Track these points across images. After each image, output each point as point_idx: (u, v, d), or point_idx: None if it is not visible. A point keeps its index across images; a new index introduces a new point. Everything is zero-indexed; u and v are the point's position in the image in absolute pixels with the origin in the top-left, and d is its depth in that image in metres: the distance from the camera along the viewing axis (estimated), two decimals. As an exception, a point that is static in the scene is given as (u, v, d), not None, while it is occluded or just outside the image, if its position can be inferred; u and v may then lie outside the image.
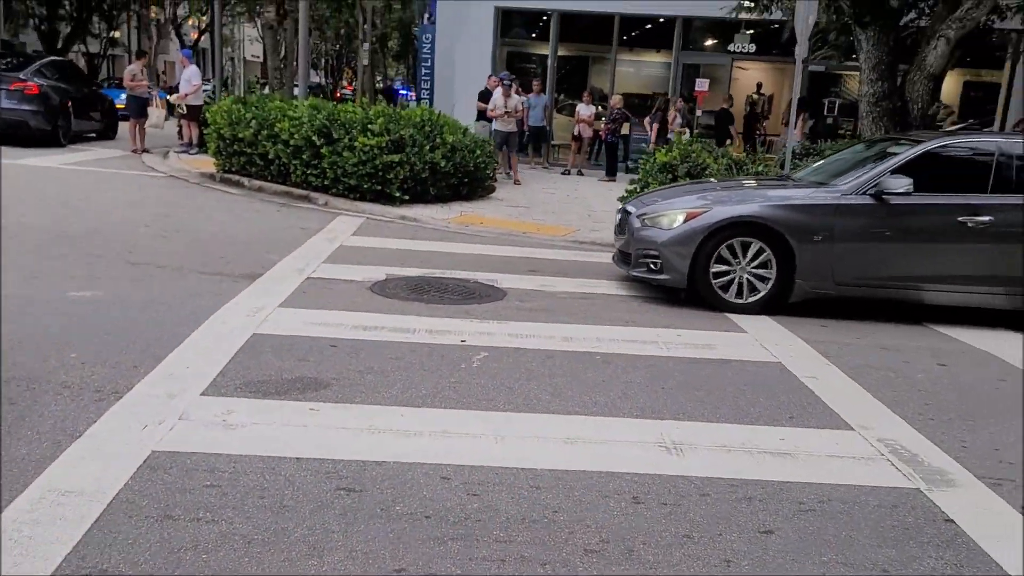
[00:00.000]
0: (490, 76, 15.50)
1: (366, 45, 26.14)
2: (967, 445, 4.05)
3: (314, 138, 10.69)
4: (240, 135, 11.43)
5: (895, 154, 6.68)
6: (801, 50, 9.47)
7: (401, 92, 40.37)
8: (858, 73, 18.13)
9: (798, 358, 5.29)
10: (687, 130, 16.55)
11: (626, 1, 17.27)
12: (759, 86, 20.96)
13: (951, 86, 17.41)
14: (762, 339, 5.71)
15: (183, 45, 37.94)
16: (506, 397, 4.24)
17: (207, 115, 12.69)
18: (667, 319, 6.13)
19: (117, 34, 38.56)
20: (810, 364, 5.18)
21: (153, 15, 37.19)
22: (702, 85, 17.74)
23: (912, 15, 11.82)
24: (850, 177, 6.61)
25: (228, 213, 9.56)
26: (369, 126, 10.69)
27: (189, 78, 14.97)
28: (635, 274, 6.79)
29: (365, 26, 28.99)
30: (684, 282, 6.48)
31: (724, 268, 6.42)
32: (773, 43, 17.69)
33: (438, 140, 11.04)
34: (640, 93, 19.75)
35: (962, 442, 4.09)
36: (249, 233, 8.35)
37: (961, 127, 14.86)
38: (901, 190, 6.27)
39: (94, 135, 16.92)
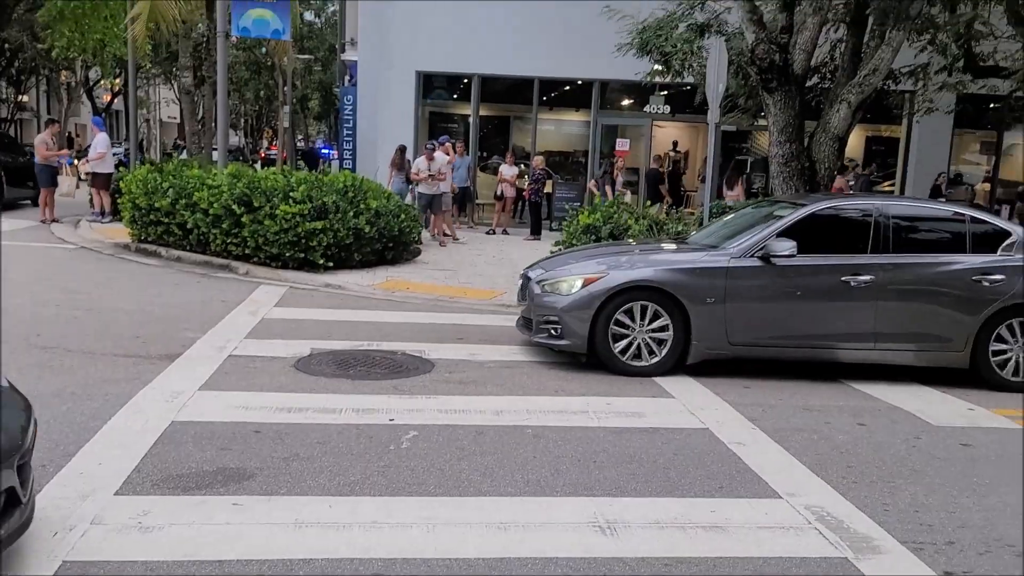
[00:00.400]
0: (442, 143, 15.52)
1: (287, 108, 26.06)
2: (889, 508, 4.16)
3: (234, 207, 10.52)
4: (157, 204, 11.17)
5: (781, 217, 6.93)
6: (713, 115, 9.86)
7: (323, 152, 40.25)
8: (767, 131, 18.91)
9: (725, 423, 5.37)
10: (627, 191, 16.97)
11: (545, 65, 17.71)
12: (675, 144, 21.67)
13: (855, 141, 18.29)
14: (689, 404, 5.78)
15: (95, 108, 37.16)
16: (437, 480, 4.16)
17: (121, 184, 12.39)
18: (596, 386, 6.16)
19: (25, 98, 37.59)
20: (736, 429, 5.27)
21: (64, 79, 36.35)
22: (623, 145, 18.21)
23: (815, 79, 12.46)
24: (740, 240, 6.82)
25: (144, 287, 9.28)
26: (291, 193, 10.59)
27: (96, 146, 14.71)
28: (537, 340, 6.83)
29: (285, 88, 28.96)
30: (584, 347, 6.54)
31: (623, 331, 6.50)
32: (686, 103, 18.35)
33: (362, 206, 11.00)
34: (561, 151, 20.18)
35: (884, 505, 4.19)
36: (167, 308, 8.10)
37: (856, 176, 15.61)
38: (785, 252, 6.49)
39: (28, 202, 16.87)
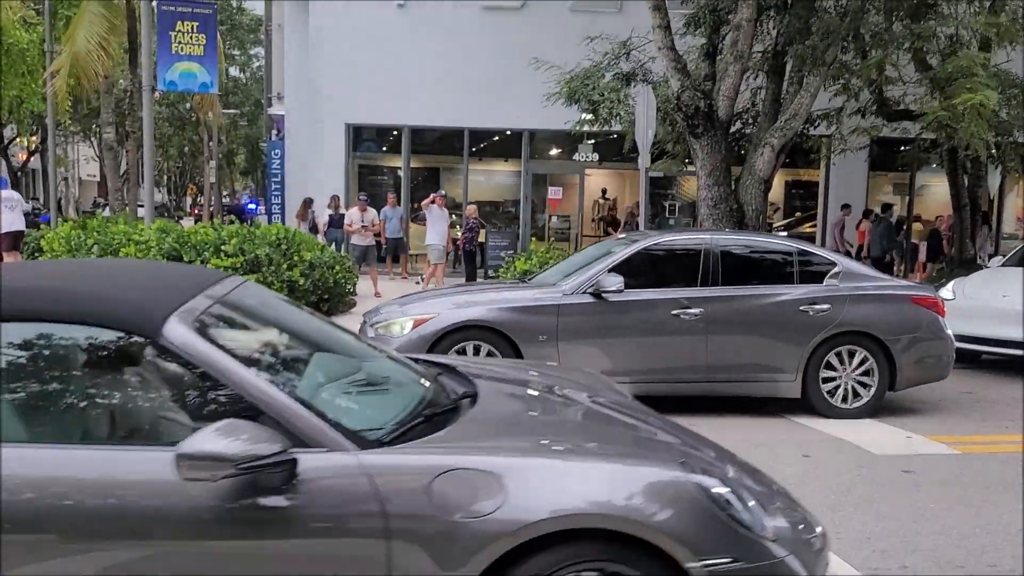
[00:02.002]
0: (362, 200, 15.31)
1: (212, 163, 25.70)
2: (841, 536, 4.20)
3: (163, 262, 10.25)
4: (80, 262, 10.79)
5: (615, 253, 7.02)
6: (643, 160, 10.09)
7: (249, 207, 39.73)
8: (693, 177, 19.48)
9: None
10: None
11: (474, 116, 17.93)
12: (604, 191, 22.09)
13: (776, 185, 18.97)
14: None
15: (10, 167, 35.96)
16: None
17: (42, 242, 11.96)
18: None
19: (-66, 157, 36.13)
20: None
21: (-24, 136, 35.11)
22: (555, 193, 18.49)
23: (739, 125, 12.91)
24: (574, 277, 6.85)
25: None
26: (223, 247, 10.39)
27: None
28: None
29: (211, 143, 28.61)
30: None
31: None
32: (614, 151, 18.78)
33: (296, 258, 10.85)
34: (492, 200, 20.34)
35: (837, 534, 4.23)
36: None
37: (878, 217, 16.05)
38: (614, 288, 6.52)
39: None
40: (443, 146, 19.72)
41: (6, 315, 2.51)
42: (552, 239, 17.72)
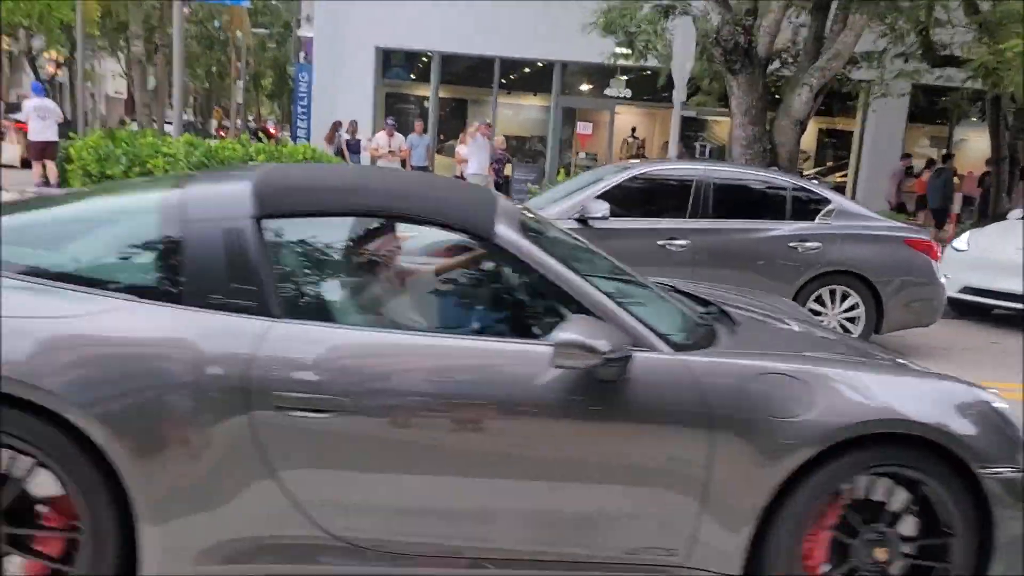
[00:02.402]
0: (389, 126, 15.14)
1: (240, 83, 25.53)
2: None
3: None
4: (109, 172, 10.81)
5: (604, 179, 6.87)
6: (679, 95, 9.89)
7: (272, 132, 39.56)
8: (724, 119, 19.14)
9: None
10: None
11: (506, 44, 17.61)
12: (633, 130, 21.77)
13: (807, 134, 18.64)
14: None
15: (38, 79, 35.95)
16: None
17: (71, 150, 11.98)
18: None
19: (-36, 66, 36.12)
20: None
21: (6, 47, 35.06)
22: (585, 128, 18.23)
23: (777, 64, 12.61)
24: (562, 202, 6.68)
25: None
26: (250, 163, 10.35)
27: (24, 113, 14.03)
28: None
29: (238, 63, 28.38)
30: None
31: None
32: (647, 88, 18.45)
33: (322, 178, 10.81)
34: (519, 136, 20.11)
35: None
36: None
37: (939, 170, 15.68)
38: (599, 214, 6.36)
39: None
40: (472, 76, 19.44)
41: (371, 211, 2.79)
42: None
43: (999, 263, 8.39)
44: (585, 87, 19.78)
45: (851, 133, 19.31)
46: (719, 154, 18.52)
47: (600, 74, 18.36)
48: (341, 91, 18.20)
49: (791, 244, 6.58)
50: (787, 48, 12.80)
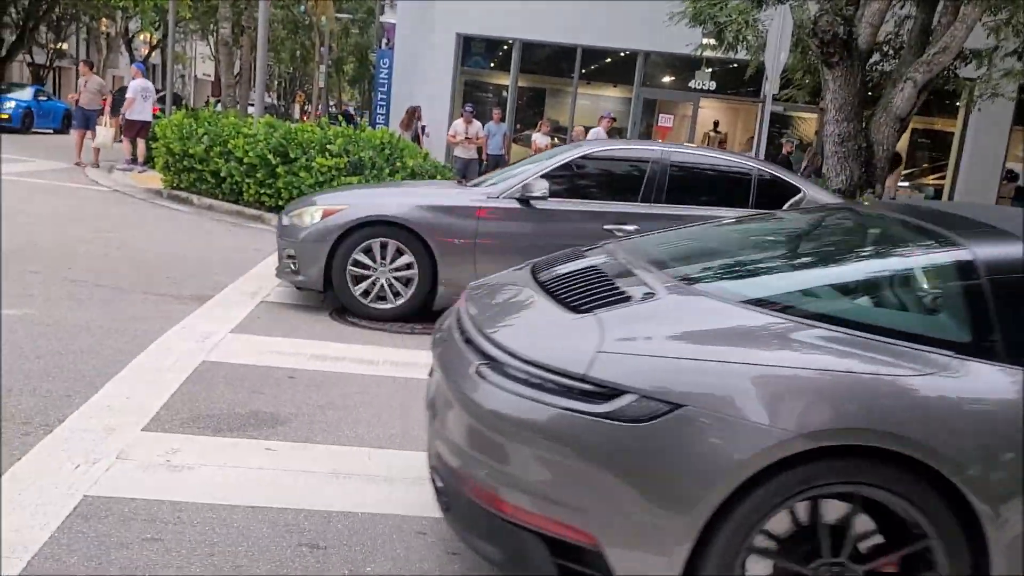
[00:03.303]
0: (467, 111, 15.01)
1: (323, 67, 25.78)
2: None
3: (269, 157, 10.26)
4: (191, 151, 10.92)
5: (556, 157, 6.40)
6: (771, 86, 9.43)
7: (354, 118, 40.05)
8: (812, 116, 18.44)
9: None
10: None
11: (588, 33, 17.27)
12: (716, 124, 21.18)
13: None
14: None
15: (133, 59, 37.10)
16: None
17: (156, 129, 12.17)
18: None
19: (65, 46, 37.55)
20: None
21: (104, 28, 36.27)
22: (666, 121, 17.79)
23: (876, 57, 11.97)
24: (506, 179, 6.23)
25: (175, 231, 9.05)
26: (328, 146, 10.30)
27: (129, 91, 14.40)
28: (280, 277, 6.21)
29: (322, 48, 28.66)
30: (320, 284, 5.95)
31: (363, 272, 5.94)
32: (732, 81, 17.86)
33: (398, 164, 10.69)
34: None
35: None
36: (198, 253, 7.86)
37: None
38: (539, 194, 5.90)
39: None
40: (552, 66, 19.14)
41: None
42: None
43: None
44: (668, 79, 19.28)
45: (950, 135, 18.33)
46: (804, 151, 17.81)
47: (684, 65, 17.85)
48: (421, 78, 18.15)
49: None
50: (888, 40, 12.13)
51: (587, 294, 2.59)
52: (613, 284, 2.66)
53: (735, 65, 16.10)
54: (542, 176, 6.06)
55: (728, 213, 5.90)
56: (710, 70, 17.64)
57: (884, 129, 10.23)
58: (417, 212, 5.90)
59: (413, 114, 15.97)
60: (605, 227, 5.92)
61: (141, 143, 14.28)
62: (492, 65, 19.53)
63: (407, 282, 5.96)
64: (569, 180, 6.22)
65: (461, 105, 17.12)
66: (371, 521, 2.97)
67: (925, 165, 19.39)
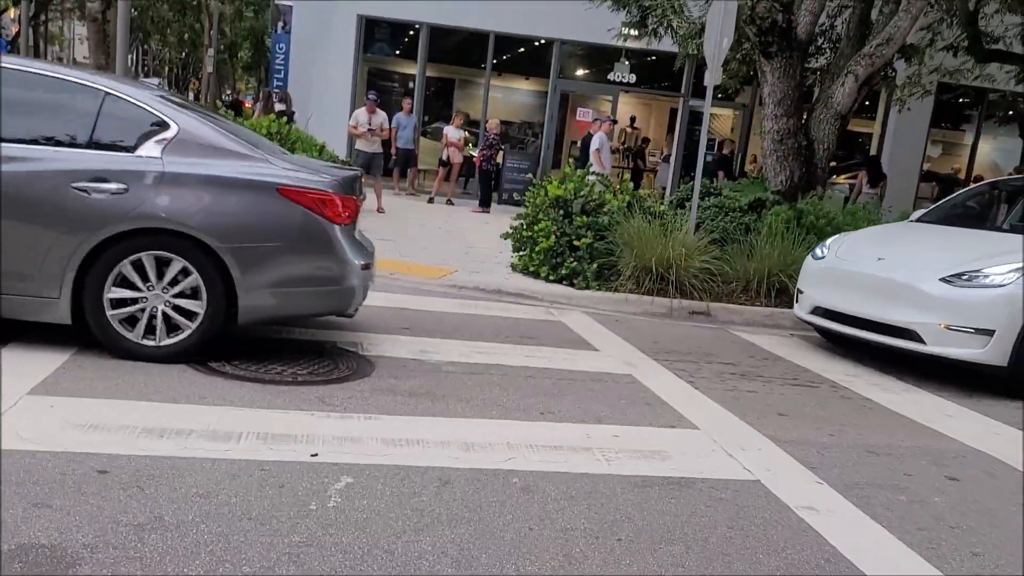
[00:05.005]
0: (370, 101, 13.53)
1: (211, 51, 23.80)
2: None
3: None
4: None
5: None
6: (712, 77, 8.47)
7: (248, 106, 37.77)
8: (726, 112, 17.88)
9: (777, 472, 3.96)
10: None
11: (502, 19, 16.09)
12: (633, 119, 20.42)
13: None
14: (718, 435, 4.37)
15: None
16: (381, 572, 2.64)
17: None
18: (606, 407, 4.70)
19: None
20: (797, 484, 3.85)
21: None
22: (584, 115, 16.83)
23: (816, 46, 11.26)
24: None
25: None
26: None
27: None
28: None
29: (212, 32, 26.55)
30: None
31: None
32: (653, 74, 17.06)
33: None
34: (512, 121, 18.64)
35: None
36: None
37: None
38: None
39: None
40: (463, 55, 17.92)
41: None
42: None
43: (856, 278, 6.39)
44: (585, 71, 18.32)
45: (867, 135, 18.02)
46: (717, 147, 17.18)
47: (602, 57, 16.93)
48: (320, 64, 16.63)
49: (76, 185, 4.29)
50: (824, 32, 11.44)
51: None
52: None
53: (653, 58, 15.30)
54: None
55: (42, 153, 4.31)
56: (627, 63, 16.75)
57: (824, 126, 9.53)
58: None
59: (269, 97, 14.59)
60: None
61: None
62: (398, 52, 18.14)
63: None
64: None
65: (364, 94, 15.70)
66: None
67: (833, 164, 19.08)
